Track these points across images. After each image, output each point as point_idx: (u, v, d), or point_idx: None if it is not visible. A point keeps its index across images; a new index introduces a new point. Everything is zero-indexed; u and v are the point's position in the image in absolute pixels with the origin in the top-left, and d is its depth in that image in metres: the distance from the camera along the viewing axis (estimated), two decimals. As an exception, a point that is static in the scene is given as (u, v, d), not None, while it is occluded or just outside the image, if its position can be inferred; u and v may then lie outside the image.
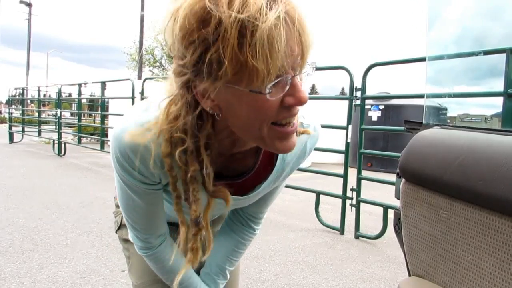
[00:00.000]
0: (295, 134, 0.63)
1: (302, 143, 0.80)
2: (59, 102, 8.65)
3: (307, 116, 0.80)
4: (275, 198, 0.95)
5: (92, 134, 11.31)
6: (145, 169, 0.68)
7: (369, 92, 3.59)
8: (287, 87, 0.56)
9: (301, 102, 0.57)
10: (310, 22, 0.56)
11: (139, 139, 0.64)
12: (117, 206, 1.06)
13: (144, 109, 0.68)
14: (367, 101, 4.48)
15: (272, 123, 0.59)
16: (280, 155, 0.78)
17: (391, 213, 2.86)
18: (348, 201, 3.53)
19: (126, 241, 1.01)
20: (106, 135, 8.60)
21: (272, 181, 0.81)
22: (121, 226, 1.03)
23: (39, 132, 10.36)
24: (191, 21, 0.52)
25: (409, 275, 0.85)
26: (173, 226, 0.88)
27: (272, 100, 0.56)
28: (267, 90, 0.54)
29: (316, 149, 0.94)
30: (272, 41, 0.51)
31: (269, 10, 0.51)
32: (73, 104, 18.55)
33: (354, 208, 3.48)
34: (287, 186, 0.92)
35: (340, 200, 3.59)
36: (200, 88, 0.57)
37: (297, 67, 0.56)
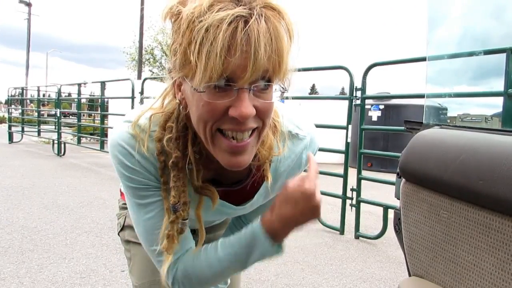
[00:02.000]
0: (247, 153, 0.61)
1: (296, 155, 0.79)
2: (59, 102, 8.65)
3: (304, 126, 0.79)
4: None
5: (91, 134, 11.30)
6: (140, 173, 0.69)
7: (369, 92, 3.59)
8: (232, 97, 0.55)
9: (240, 116, 0.55)
10: (280, 43, 0.54)
11: (136, 131, 0.66)
12: (121, 208, 1.07)
13: (136, 110, 0.71)
14: (367, 101, 4.48)
15: (219, 130, 0.59)
16: (273, 165, 0.76)
17: (391, 213, 2.85)
18: (348, 201, 3.53)
19: (128, 242, 1.02)
20: (106, 135, 8.58)
21: (265, 192, 0.80)
22: (124, 228, 1.03)
23: (39, 132, 10.35)
24: (170, 16, 0.59)
25: (409, 275, 0.85)
26: None
27: (214, 104, 0.56)
28: (201, 89, 0.56)
29: (316, 149, 0.93)
30: (208, 39, 0.52)
31: (223, 12, 0.52)
32: (72, 104, 18.54)
33: (354, 208, 3.48)
34: (287, 186, 0.91)
35: (340, 200, 3.59)
36: (175, 80, 0.62)
37: (248, 81, 0.54)
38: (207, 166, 0.70)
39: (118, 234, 1.06)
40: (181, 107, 0.64)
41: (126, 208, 1.03)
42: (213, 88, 0.55)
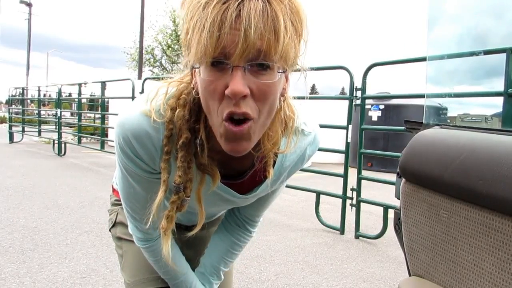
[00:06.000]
0: (245, 139, 0.60)
1: (301, 150, 0.80)
2: (59, 102, 8.66)
3: (309, 123, 0.80)
4: (272, 201, 0.95)
5: (92, 134, 11.31)
6: (146, 156, 0.69)
7: (369, 92, 3.59)
8: (227, 76, 0.56)
9: (231, 92, 0.55)
10: (277, 23, 0.54)
11: (145, 119, 0.66)
12: (112, 204, 1.07)
13: (147, 95, 0.70)
14: (367, 101, 4.48)
15: (224, 119, 0.59)
16: (279, 161, 0.78)
17: (391, 213, 2.85)
18: (348, 201, 3.53)
19: (119, 239, 1.02)
20: (106, 135, 8.59)
21: (269, 184, 0.81)
22: (115, 224, 1.03)
23: (39, 132, 10.36)
24: (181, 4, 0.61)
25: (409, 275, 0.85)
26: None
27: (213, 84, 0.57)
28: (196, 65, 0.58)
29: (316, 149, 0.94)
30: (200, 15, 0.54)
31: None
32: (73, 104, 18.55)
33: (354, 208, 3.48)
34: (287, 186, 0.93)
35: (340, 200, 3.59)
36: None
37: (242, 60, 0.55)
38: (213, 156, 0.70)
39: (110, 230, 1.06)
40: (193, 92, 0.65)
41: (117, 204, 1.04)
42: (210, 66, 0.56)
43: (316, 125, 0.83)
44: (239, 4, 0.53)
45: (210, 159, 0.70)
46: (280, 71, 0.58)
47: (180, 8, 0.61)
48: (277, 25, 0.54)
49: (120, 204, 0.95)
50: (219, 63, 0.55)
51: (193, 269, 0.97)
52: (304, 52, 0.62)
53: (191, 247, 1.05)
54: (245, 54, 0.54)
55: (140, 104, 0.68)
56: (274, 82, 0.58)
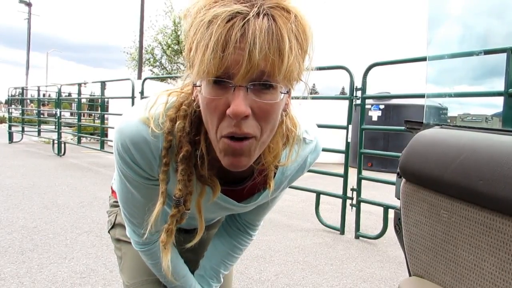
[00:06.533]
0: (246, 155, 0.60)
1: (303, 158, 0.80)
2: (59, 102, 8.65)
3: (311, 131, 0.80)
4: (272, 207, 0.96)
5: (91, 134, 11.30)
6: (144, 163, 0.69)
7: (369, 91, 3.58)
8: (229, 95, 0.55)
9: (232, 113, 0.54)
10: (282, 43, 0.52)
11: (143, 127, 0.66)
12: (111, 205, 1.07)
13: (146, 103, 0.70)
14: (367, 101, 4.48)
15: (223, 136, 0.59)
16: (279, 170, 0.78)
17: (391, 213, 2.86)
18: (348, 201, 3.53)
19: (118, 240, 1.02)
20: (106, 135, 8.59)
21: (267, 194, 0.81)
22: (114, 226, 1.03)
23: (39, 132, 10.36)
24: (184, 16, 0.60)
25: (410, 275, 0.85)
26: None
27: (214, 102, 0.56)
28: (198, 83, 0.57)
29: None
30: (205, 34, 0.53)
31: (223, 8, 0.52)
32: (72, 104, 18.55)
33: (354, 208, 3.48)
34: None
35: (340, 200, 3.59)
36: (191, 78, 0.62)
37: (245, 80, 0.54)
38: (213, 164, 0.70)
39: (109, 232, 1.06)
40: (194, 104, 0.65)
41: (116, 206, 1.03)
42: (212, 84, 0.55)
43: (317, 131, 0.82)
44: (244, 23, 0.51)
45: (210, 169, 0.70)
46: (283, 91, 0.58)
47: (183, 19, 0.60)
48: (282, 45, 0.53)
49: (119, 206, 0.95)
50: (221, 81, 0.55)
51: (193, 272, 0.96)
52: (309, 66, 0.61)
53: (191, 249, 1.05)
54: (248, 74, 0.53)
55: (139, 111, 0.68)
56: (277, 102, 0.57)
